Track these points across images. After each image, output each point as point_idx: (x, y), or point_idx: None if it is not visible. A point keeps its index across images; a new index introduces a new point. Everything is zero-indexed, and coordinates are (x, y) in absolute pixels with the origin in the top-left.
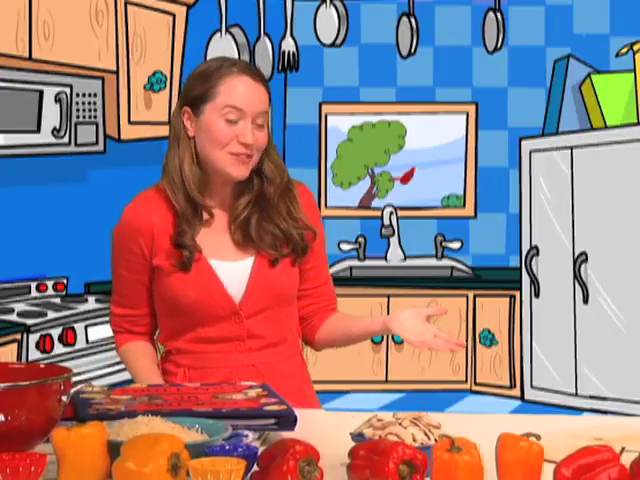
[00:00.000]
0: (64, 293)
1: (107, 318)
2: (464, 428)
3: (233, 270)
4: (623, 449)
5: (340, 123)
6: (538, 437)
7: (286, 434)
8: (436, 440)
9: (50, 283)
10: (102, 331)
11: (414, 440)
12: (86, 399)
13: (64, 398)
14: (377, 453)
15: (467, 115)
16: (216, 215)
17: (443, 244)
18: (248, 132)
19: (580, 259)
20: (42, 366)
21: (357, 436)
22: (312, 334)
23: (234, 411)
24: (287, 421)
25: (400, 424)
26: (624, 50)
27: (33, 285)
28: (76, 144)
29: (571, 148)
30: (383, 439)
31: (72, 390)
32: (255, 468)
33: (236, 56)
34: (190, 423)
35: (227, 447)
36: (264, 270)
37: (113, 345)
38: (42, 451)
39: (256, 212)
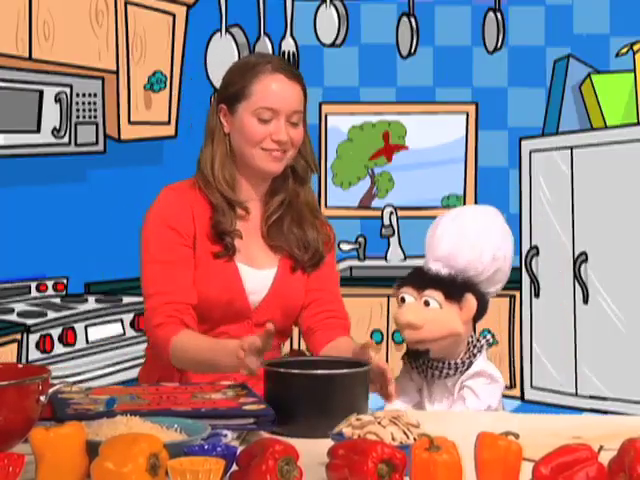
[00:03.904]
0: (64, 293)
1: (107, 318)
2: (443, 427)
3: (258, 277)
4: (601, 447)
5: (340, 123)
6: (517, 436)
7: (265, 433)
8: (415, 439)
9: (50, 283)
10: (102, 331)
11: (393, 439)
12: (64, 399)
13: (42, 398)
14: (356, 452)
15: (467, 115)
16: (251, 212)
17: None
18: (281, 130)
19: (580, 259)
20: (20, 366)
21: (336, 435)
22: (318, 348)
23: (213, 410)
24: (266, 420)
25: (379, 423)
26: (624, 50)
27: (33, 285)
28: (76, 144)
29: (571, 148)
30: (362, 438)
31: (50, 390)
32: (234, 468)
33: (236, 56)
34: (169, 423)
35: (206, 447)
36: (284, 282)
37: (113, 345)
38: (20, 451)
39: (289, 214)
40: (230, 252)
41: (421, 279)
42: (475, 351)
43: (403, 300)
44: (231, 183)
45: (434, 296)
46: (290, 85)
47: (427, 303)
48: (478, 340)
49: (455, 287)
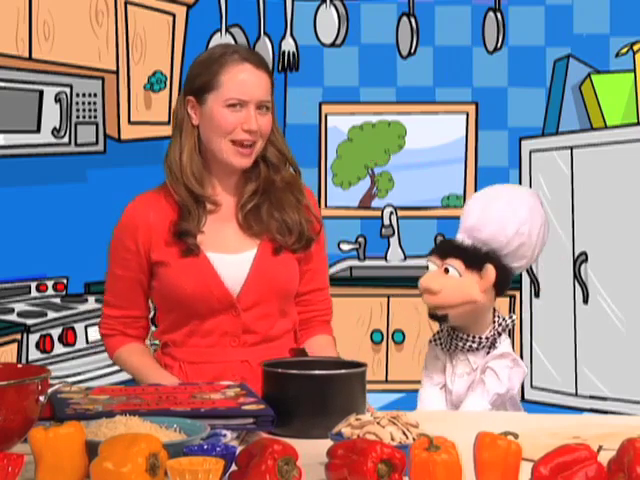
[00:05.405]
0: (64, 293)
1: None
2: (442, 426)
3: (233, 263)
4: (600, 447)
5: (340, 123)
6: (516, 436)
7: (264, 433)
8: (414, 439)
9: (50, 283)
10: None
11: (392, 439)
12: (64, 399)
13: (42, 398)
14: (355, 452)
15: (467, 115)
16: (223, 203)
17: (439, 243)
18: (252, 119)
19: (580, 259)
20: (19, 366)
21: (335, 435)
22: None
23: (212, 410)
24: (265, 420)
25: (378, 423)
26: (624, 50)
27: (33, 285)
28: (76, 144)
29: (571, 148)
30: (361, 438)
31: (50, 390)
32: (233, 467)
33: None
34: (168, 423)
35: (205, 447)
36: (265, 262)
37: None
38: (20, 451)
39: (266, 200)
40: (194, 252)
41: (446, 248)
42: (500, 329)
43: (428, 268)
44: (199, 177)
45: (454, 264)
46: (257, 74)
47: (447, 270)
48: (504, 319)
49: (476, 257)
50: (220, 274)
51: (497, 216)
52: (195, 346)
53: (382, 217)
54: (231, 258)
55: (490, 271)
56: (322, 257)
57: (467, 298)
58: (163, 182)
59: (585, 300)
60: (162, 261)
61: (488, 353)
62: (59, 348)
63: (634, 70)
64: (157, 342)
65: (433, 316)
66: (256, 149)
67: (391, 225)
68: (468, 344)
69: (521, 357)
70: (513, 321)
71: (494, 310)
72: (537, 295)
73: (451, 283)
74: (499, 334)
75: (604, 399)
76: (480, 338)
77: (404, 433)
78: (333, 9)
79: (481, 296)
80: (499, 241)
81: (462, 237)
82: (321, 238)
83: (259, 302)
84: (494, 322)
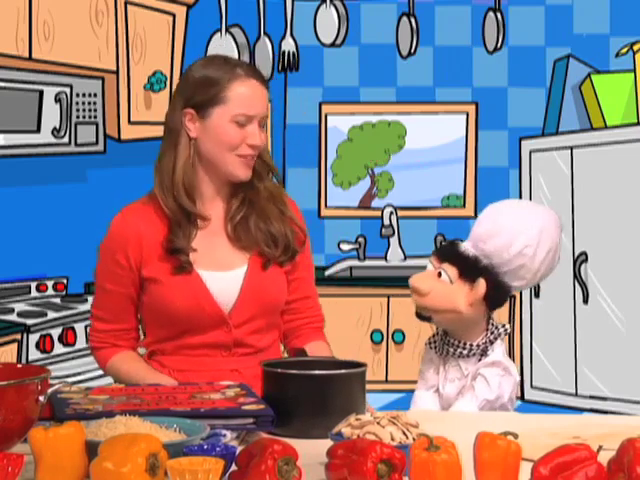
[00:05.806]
0: (64, 293)
1: None
2: (442, 426)
3: (224, 280)
4: (600, 447)
5: (340, 123)
6: (516, 436)
7: (264, 434)
8: (414, 439)
9: (50, 283)
10: None
11: (392, 439)
12: (64, 399)
13: (41, 398)
14: (355, 452)
15: (467, 115)
16: (212, 216)
17: (443, 244)
18: (257, 135)
19: (580, 259)
20: (19, 366)
21: (335, 435)
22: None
23: (212, 410)
24: (265, 421)
25: (378, 423)
26: (624, 50)
27: (33, 285)
28: (76, 144)
29: (571, 148)
30: (361, 438)
31: (50, 390)
32: (233, 467)
33: (236, 56)
34: (168, 423)
35: (205, 447)
36: (256, 278)
37: None
38: (20, 451)
39: (253, 212)
40: (187, 269)
41: (446, 252)
42: (492, 337)
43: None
44: (189, 188)
45: (448, 270)
46: (261, 90)
47: (440, 274)
48: (497, 328)
49: (473, 268)
50: (212, 292)
51: (504, 232)
52: (185, 355)
53: (382, 217)
54: (223, 275)
55: (481, 285)
56: (308, 265)
57: (451, 306)
58: (150, 191)
59: (585, 300)
60: (154, 277)
61: (480, 360)
62: (59, 348)
63: (634, 70)
64: (145, 350)
65: (419, 315)
66: (255, 160)
67: (391, 225)
68: (458, 350)
69: (521, 357)
70: (506, 330)
71: (489, 318)
72: (537, 295)
73: (439, 288)
74: (491, 342)
75: (604, 399)
76: (471, 345)
77: (404, 433)
78: (333, 9)
79: (466, 308)
80: (501, 257)
81: (467, 245)
82: (306, 248)
83: (251, 318)
84: (487, 330)
